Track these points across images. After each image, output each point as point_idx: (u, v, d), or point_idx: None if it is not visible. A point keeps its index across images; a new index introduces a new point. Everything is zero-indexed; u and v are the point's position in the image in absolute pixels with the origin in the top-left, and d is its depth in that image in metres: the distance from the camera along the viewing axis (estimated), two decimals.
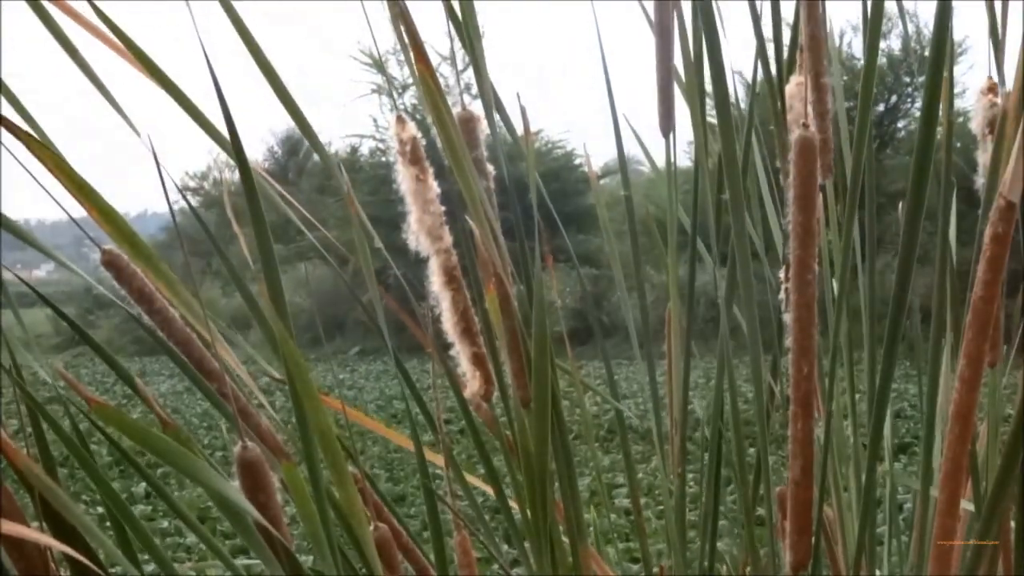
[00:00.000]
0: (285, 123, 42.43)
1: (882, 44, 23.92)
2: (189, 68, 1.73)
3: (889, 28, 24.09)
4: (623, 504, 9.39)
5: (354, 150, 33.62)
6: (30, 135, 1.41)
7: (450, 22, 1.82)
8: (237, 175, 1.45)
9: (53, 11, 1.68)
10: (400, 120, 1.69)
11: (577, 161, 31.09)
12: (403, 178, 1.69)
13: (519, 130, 1.96)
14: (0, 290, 1.61)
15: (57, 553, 1.42)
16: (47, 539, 1.35)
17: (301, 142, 40.95)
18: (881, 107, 25.33)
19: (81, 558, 1.34)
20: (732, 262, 1.86)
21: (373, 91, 31.51)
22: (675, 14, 2.01)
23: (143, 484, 11.20)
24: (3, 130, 1.39)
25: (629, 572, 6.47)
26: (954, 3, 1.52)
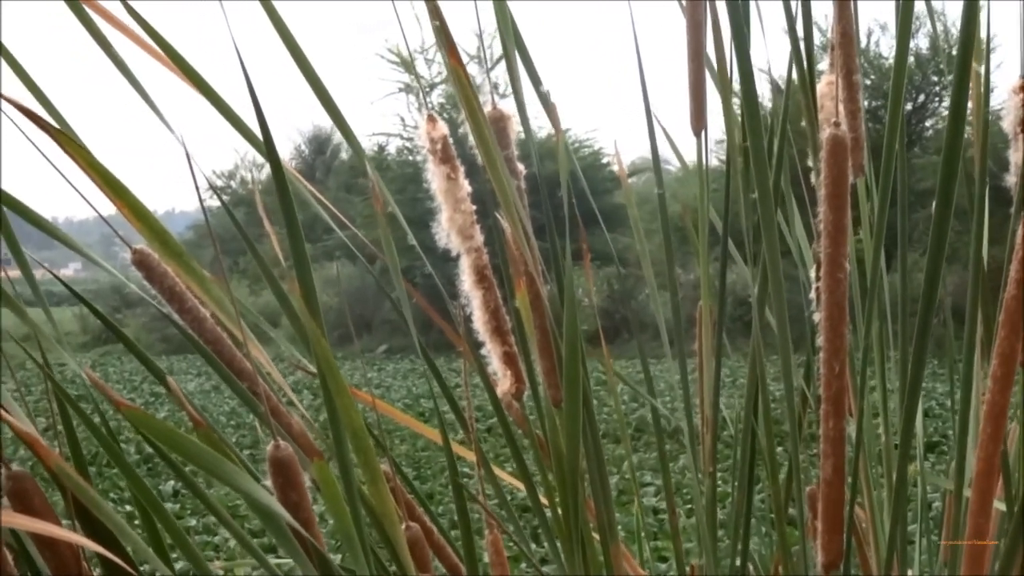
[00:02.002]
0: (312, 122, 42.52)
1: (910, 43, 23.80)
2: (211, 68, 1.73)
3: (917, 27, 24.00)
4: (650, 503, 9.40)
5: (381, 149, 33.62)
6: (63, 133, 1.41)
7: (480, 21, 1.81)
8: (265, 174, 1.45)
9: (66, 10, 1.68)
10: (431, 119, 1.69)
11: (604, 160, 31.11)
12: (434, 177, 1.69)
13: (550, 129, 1.96)
14: (3, 288, 1.61)
15: (88, 551, 1.42)
16: (80, 538, 1.35)
17: (328, 141, 41.04)
18: (909, 106, 25.23)
19: (114, 558, 1.34)
20: (762, 261, 1.86)
21: (400, 90, 31.56)
22: (707, 10, 2.01)
23: (171, 483, 11.23)
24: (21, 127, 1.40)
25: (657, 571, 6.46)
26: (982, 1, 1.51)
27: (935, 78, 25.20)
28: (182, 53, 1.70)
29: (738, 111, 1.89)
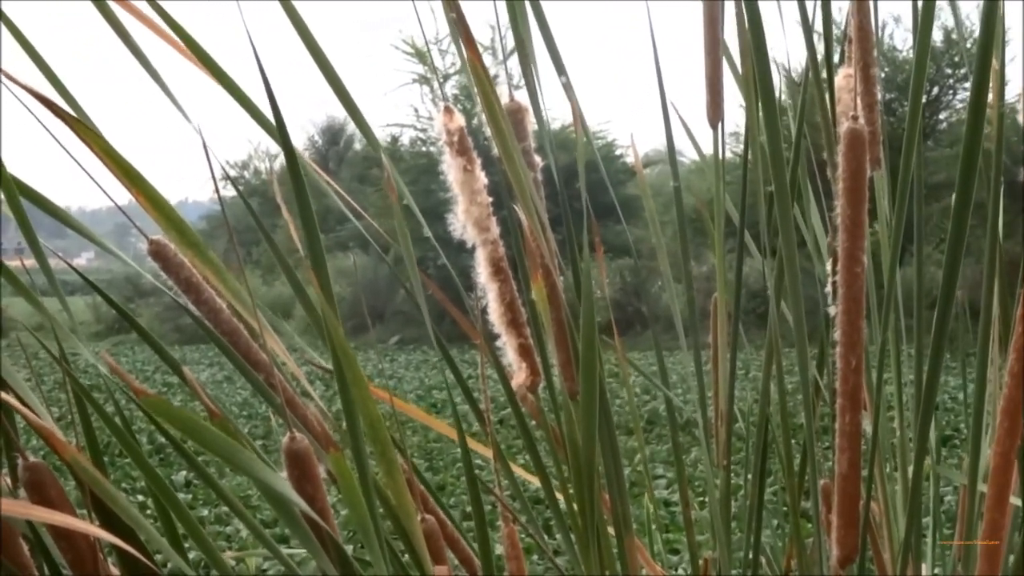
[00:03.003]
0: (325, 113, 42.56)
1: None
2: (223, 64, 1.73)
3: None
4: (661, 495, 9.41)
5: (395, 140, 33.62)
6: (79, 121, 1.42)
7: (497, 13, 1.81)
8: (279, 163, 1.45)
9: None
10: (448, 110, 1.69)
11: (618, 152, 31.07)
12: (450, 168, 1.69)
13: (564, 120, 1.96)
14: (6, 276, 1.60)
15: (104, 542, 1.42)
16: (96, 530, 1.35)
17: (341, 132, 41.04)
18: (923, 99, 25.11)
19: (131, 549, 1.34)
20: (779, 254, 1.85)
21: (414, 81, 31.57)
22: (723, 3, 2.00)
23: (182, 473, 11.25)
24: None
25: (669, 563, 6.46)
26: None
27: (949, 71, 25.14)
28: (199, 42, 1.71)
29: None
